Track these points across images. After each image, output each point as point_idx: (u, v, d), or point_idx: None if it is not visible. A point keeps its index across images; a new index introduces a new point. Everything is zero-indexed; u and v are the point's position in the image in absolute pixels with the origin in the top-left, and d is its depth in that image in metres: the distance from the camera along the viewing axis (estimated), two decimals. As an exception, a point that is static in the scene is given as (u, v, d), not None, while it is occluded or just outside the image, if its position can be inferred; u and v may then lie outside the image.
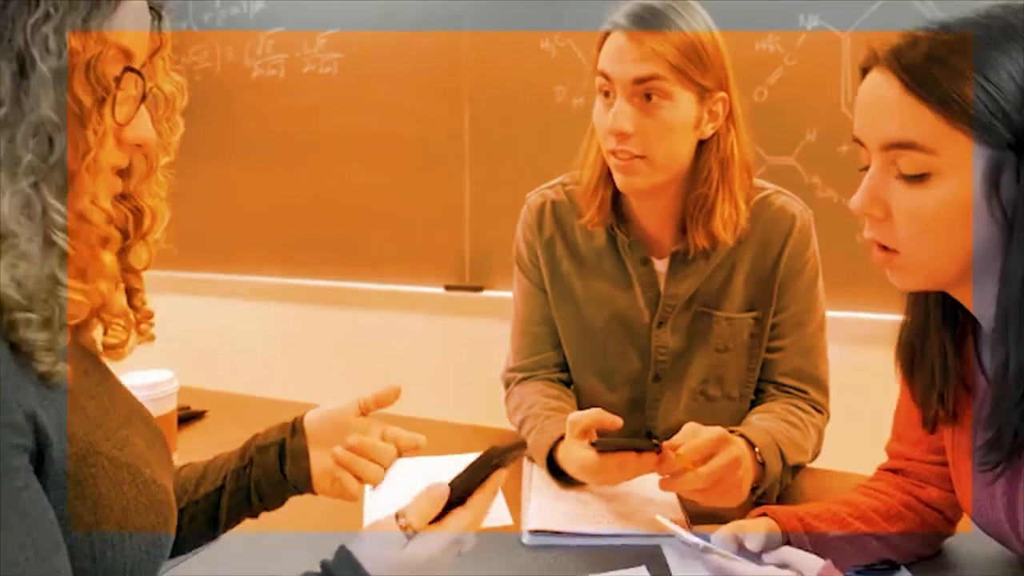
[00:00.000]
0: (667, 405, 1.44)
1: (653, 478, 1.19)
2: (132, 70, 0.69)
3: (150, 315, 0.82)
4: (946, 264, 0.85)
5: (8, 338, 0.62)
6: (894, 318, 1.03)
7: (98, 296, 0.69)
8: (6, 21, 0.62)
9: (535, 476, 1.33)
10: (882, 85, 0.84)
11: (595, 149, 1.36)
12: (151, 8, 0.74)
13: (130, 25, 0.69)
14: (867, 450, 1.27)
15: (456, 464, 1.37)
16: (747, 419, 1.35)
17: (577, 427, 1.22)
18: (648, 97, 1.25)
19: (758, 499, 1.23)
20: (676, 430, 1.19)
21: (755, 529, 1.01)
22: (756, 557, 0.94)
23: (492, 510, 1.25)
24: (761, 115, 2.26)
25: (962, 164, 0.81)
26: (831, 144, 2.18)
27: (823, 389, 1.42)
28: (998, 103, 0.79)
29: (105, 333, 0.78)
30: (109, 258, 0.69)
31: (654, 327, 1.42)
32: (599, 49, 1.31)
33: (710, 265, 1.38)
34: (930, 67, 0.81)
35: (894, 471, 1.13)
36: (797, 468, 1.32)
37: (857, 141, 0.89)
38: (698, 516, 1.21)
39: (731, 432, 1.24)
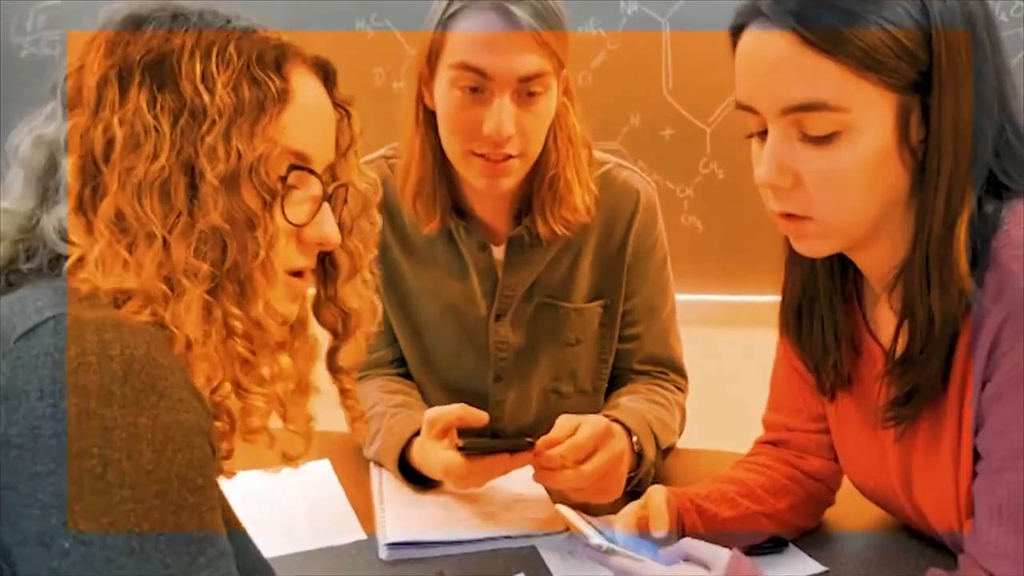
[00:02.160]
0: (513, 406, 1.31)
1: (518, 473, 1.08)
2: (303, 168, 0.69)
3: (362, 414, 0.83)
4: (861, 222, 0.80)
5: None
6: (722, 298, 0.98)
7: (276, 400, 0.69)
8: (177, 135, 0.63)
9: (386, 481, 1.17)
10: (772, 42, 0.76)
11: (430, 146, 1.19)
12: (338, 105, 0.75)
13: (303, 125, 0.69)
14: (723, 428, 1.24)
15: (281, 479, 1.19)
16: (615, 400, 1.26)
17: (436, 426, 1.08)
18: (531, 93, 1.11)
19: (633, 488, 1.14)
20: (528, 431, 1.10)
21: (660, 517, 0.92)
22: (655, 552, 0.84)
23: (340, 524, 1.09)
24: (585, 100, 2.24)
25: (872, 115, 0.75)
26: (655, 128, 2.18)
27: (681, 369, 1.35)
28: (900, 43, 0.74)
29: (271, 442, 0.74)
30: (286, 361, 0.70)
31: (491, 320, 1.28)
32: (442, 30, 1.13)
33: (551, 251, 1.26)
34: (824, 15, 0.74)
35: (774, 443, 1.08)
36: (667, 451, 1.25)
37: (745, 108, 0.80)
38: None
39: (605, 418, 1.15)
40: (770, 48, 0.76)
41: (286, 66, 0.69)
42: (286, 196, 0.68)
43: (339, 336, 0.80)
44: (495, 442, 1.06)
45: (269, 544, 1.03)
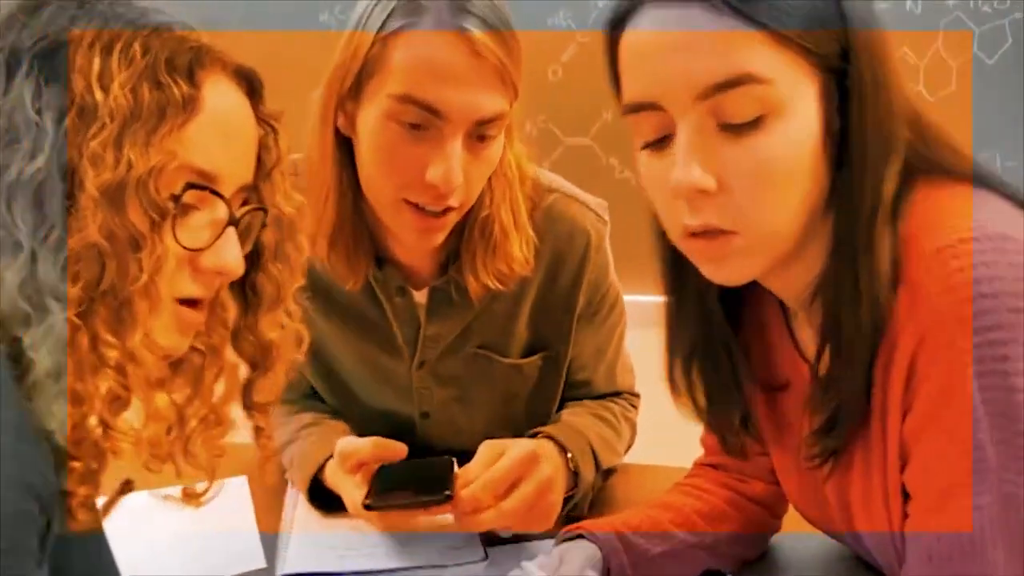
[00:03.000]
0: (445, 437, 1.16)
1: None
2: (203, 188, 0.62)
3: (275, 454, 0.78)
4: (792, 232, 0.68)
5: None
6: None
7: (147, 443, 0.63)
8: (60, 135, 0.57)
9: (300, 504, 1.08)
10: (679, 17, 0.65)
11: (349, 185, 0.98)
12: (264, 121, 0.68)
13: (211, 141, 0.62)
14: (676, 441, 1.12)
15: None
16: (557, 415, 1.15)
17: (349, 461, 0.98)
18: (482, 137, 0.93)
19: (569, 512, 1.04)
20: (465, 452, 0.98)
21: (575, 561, 0.83)
22: None
23: (241, 551, 1.01)
24: (556, 94, 2.16)
25: (798, 94, 0.65)
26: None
27: (632, 385, 1.24)
28: (819, 11, 0.65)
29: (179, 474, 0.70)
30: (163, 401, 0.64)
31: (413, 369, 1.11)
32: (381, 47, 0.90)
33: (484, 299, 1.07)
34: None
35: (713, 466, 0.98)
36: (609, 473, 1.16)
37: (644, 107, 0.68)
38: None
39: (538, 433, 1.05)
40: (677, 24, 0.65)
41: (200, 72, 0.62)
42: (183, 217, 0.62)
43: (256, 369, 0.73)
44: (405, 500, 0.93)
45: (158, 573, 0.95)
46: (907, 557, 0.69)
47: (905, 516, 0.70)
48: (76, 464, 0.58)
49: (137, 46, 0.59)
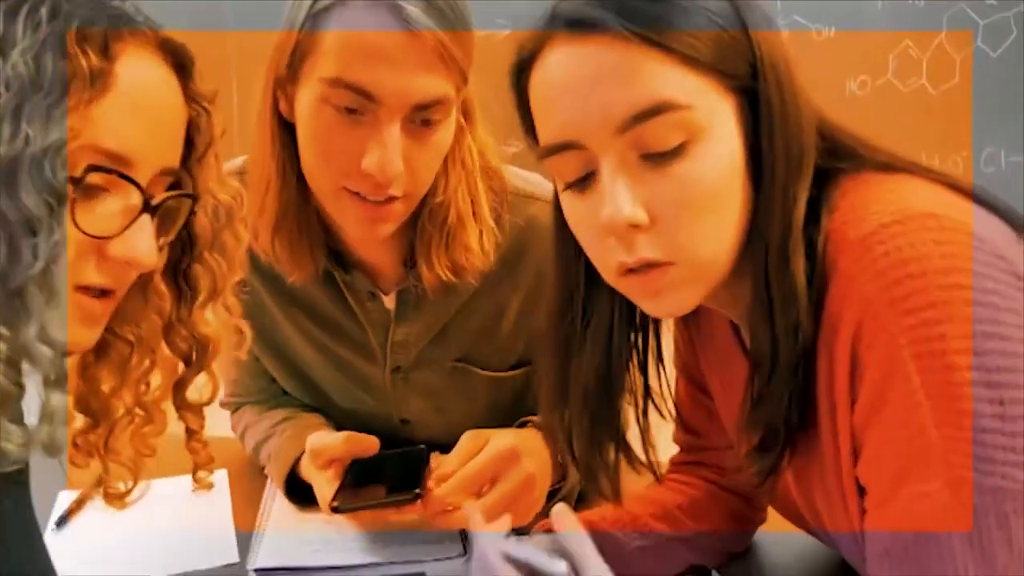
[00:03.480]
0: (428, 437, 1.11)
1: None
2: (110, 171, 0.57)
3: (209, 460, 0.74)
4: (724, 256, 0.66)
5: None
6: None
7: (28, 447, 0.57)
8: None
9: (277, 498, 1.06)
10: (592, 52, 0.63)
11: (292, 170, 0.92)
12: (195, 101, 0.64)
13: (124, 120, 0.57)
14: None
15: (168, 488, 1.09)
16: None
17: (321, 458, 0.95)
18: (426, 122, 0.87)
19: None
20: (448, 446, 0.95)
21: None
22: None
23: (215, 544, 0.99)
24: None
25: (717, 117, 0.64)
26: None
27: None
28: (727, 36, 0.63)
29: (106, 471, 0.69)
30: (59, 401, 0.57)
31: (387, 374, 1.08)
32: (310, 27, 0.84)
33: (454, 303, 1.03)
34: (647, 8, 0.62)
35: (689, 463, 0.96)
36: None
37: (562, 147, 0.65)
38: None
39: (527, 423, 1.03)
40: (590, 59, 0.63)
41: (117, 44, 0.57)
42: (89, 201, 0.57)
43: (190, 365, 0.69)
44: (372, 502, 0.90)
45: (130, 566, 0.94)
46: (867, 555, 0.66)
47: (863, 512, 0.67)
48: None
49: (46, 9, 0.55)
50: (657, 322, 0.81)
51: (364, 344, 1.06)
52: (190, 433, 0.72)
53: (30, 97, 0.53)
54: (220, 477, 1.13)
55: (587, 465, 0.81)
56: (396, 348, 1.05)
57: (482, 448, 0.92)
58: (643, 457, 0.82)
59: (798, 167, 0.65)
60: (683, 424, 0.95)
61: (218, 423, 1.20)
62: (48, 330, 0.54)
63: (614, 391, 0.78)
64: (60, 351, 0.56)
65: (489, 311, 1.05)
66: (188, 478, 1.09)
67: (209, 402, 0.72)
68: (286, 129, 0.91)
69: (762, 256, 0.65)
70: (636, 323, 0.79)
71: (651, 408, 0.82)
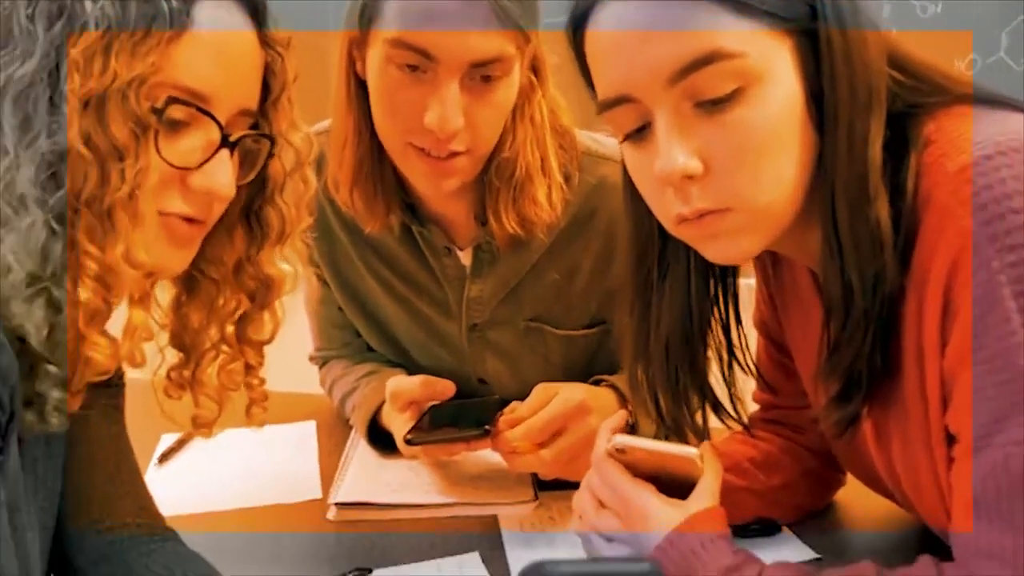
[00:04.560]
0: (505, 393, 1.13)
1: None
2: (189, 104, 0.61)
3: (263, 397, 0.75)
4: (784, 201, 0.65)
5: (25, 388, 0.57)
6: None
7: (114, 359, 0.60)
8: (48, 41, 0.57)
9: (359, 444, 1.11)
10: (639, 7, 0.63)
11: (367, 126, 0.96)
12: (270, 46, 0.67)
13: (201, 60, 0.61)
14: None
15: (261, 436, 1.16)
16: None
17: (399, 400, 0.99)
18: (487, 79, 0.91)
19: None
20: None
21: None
22: None
23: (300, 483, 1.04)
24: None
25: (772, 62, 0.63)
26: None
27: None
28: None
29: (196, 402, 0.72)
30: (139, 316, 0.62)
31: (464, 331, 1.11)
32: None
33: (527, 261, 1.05)
34: None
35: (768, 420, 0.94)
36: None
37: (618, 101, 0.66)
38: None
39: (601, 381, 1.04)
40: (639, 12, 0.63)
41: None
42: (173, 134, 0.61)
43: (255, 303, 0.72)
44: (444, 435, 0.94)
45: (223, 499, 1.00)
46: (953, 508, 0.64)
47: (951, 463, 0.65)
48: (51, 368, 0.58)
49: None
50: (735, 275, 0.80)
51: (442, 300, 1.10)
52: (249, 368, 0.74)
53: (117, 36, 0.57)
54: (309, 427, 1.20)
55: (673, 417, 0.81)
56: (471, 305, 1.08)
57: (552, 400, 0.94)
58: (730, 410, 0.82)
59: (867, 106, 0.64)
60: (762, 382, 0.94)
61: (311, 380, 1.27)
62: (133, 251, 0.58)
63: (696, 343, 0.78)
64: (143, 271, 0.60)
65: (561, 270, 1.07)
66: (282, 427, 1.18)
67: (269, 340, 0.75)
68: (361, 88, 0.95)
69: (829, 199, 0.64)
70: (715, 274, 0.79)
71: (735, 364, 0.82)
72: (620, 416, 0.82)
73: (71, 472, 0.72)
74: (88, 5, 0.57)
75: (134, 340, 0.62)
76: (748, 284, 0.87)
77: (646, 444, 0.76)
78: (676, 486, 0.75)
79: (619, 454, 0.76)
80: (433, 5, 0.86)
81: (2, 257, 0.55)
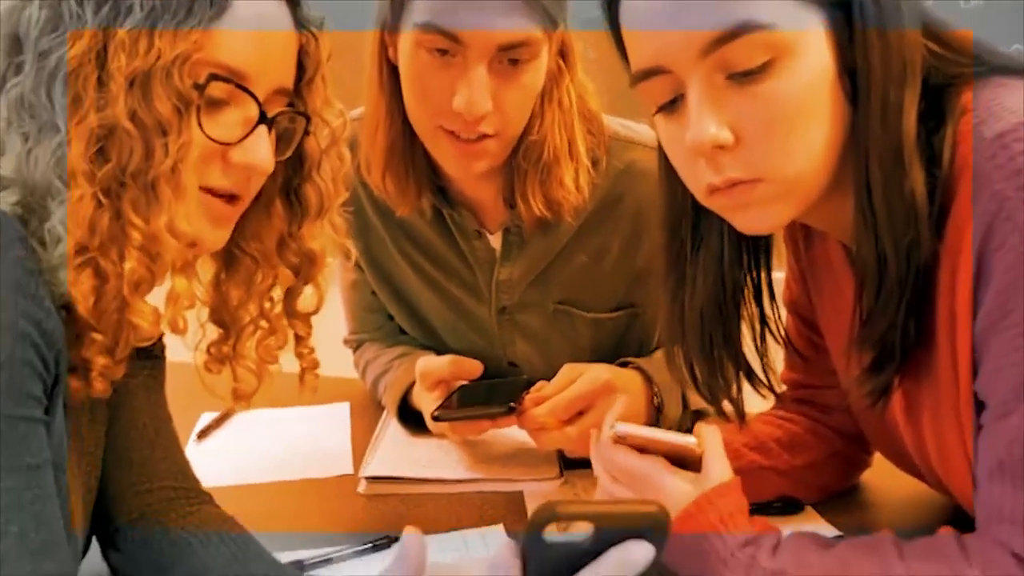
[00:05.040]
0: (533, 374, 1.15)
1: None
2: (229, 81, 0.64)
3: (315, 364, 0.78)
4: (818, 171, 0.66)
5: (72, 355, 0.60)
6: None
7: (157, 325, 0.63)
8: (96, 24, 0.60)
9: (390, 423, 1.14)
10: None
11: (398, 110, 0.98)
12: (304, 27, 0.69)
13: (240, 40, 0.64)
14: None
15: (296, 416, 1.20)
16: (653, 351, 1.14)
17: (428, 379, 1.02)
18: (514, 62, 0.92)
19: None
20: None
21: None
22: None
23: (332, 459, 1.07)
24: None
25: (803, 34, 0.63)
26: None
27: None
28: None
29: (235, 376, 0.75)
30: (182, 284, 0.65)
31: (494, 314, 1.13)
32: None
33: (555, 244, 1.07)
34: None
35: (796, 400, 0.95)
36: (698, 415, 1.13)
37: (652, 72, 0.67)
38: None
39: (628, 364, 1.05)
40: None
41: None
42: (213, 110, 0.64)
43: (299, 277, 0.75)
44: (470, 411, 0.97)
45: (258, 473, 1.04)
46: (977, 472, 0.64)
47: (979, 430, 0.65)
48: (97, 336, 0.61)
49: None
50: (768, 246, 0.81)
51: (472, 283, 1.12)
52: (298, 339, 0.77)
53: (161, 17, 0.60)
54: (343, 408, 1.23)
55: (709, 387, 0.82)
56: (501, 287, 1.10)
57: (578, 379, 0.96)
58: (763, 378, 0.83)
59: (900, 78, 0.64)
60: (790, 361, 0.95)
61: (346, 364, 1.30)
62: (175, 222, 0.61)
63: (730, 312, 0.79)
64: (185, 242, 0.62)
65: (590, 253, 1.08)
66: (317, 408, 1.22)
67: (315, 312, 0.78)
68: (393, 73, 0.98)
69: (863, 170, 0.65)
70: (747, 245, 0.79)
71: (767, 334, 0.83)
72: (621, 404, 0.83)
73: (113, 437, 0.75)
74: None
75: (176, 307, 0.65)
76: (778, 278, 0.88)
77: (645, 432, 0.76)
78: None
79: (620, 440, 0.77)
80: None
81: (52, 228, 0.58)
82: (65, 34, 0.60)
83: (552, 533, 0.49)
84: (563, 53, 0.99)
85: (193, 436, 1.12)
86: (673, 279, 0.80)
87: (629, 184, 1.05)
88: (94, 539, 0.77)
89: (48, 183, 0.59)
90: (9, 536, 0.53)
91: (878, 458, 0.92)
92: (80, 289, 0.59)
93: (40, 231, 0.59)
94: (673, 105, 0.68)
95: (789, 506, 0.89)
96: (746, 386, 0.84)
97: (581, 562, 0.50)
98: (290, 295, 0.75)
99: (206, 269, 0.75)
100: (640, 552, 0.51)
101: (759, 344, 0.83)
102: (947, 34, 0.68)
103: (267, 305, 0.76)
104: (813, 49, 0.64)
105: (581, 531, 0.50)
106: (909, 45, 0.64)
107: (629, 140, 1.06)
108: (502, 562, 0.51)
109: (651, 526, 0.51)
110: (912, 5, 0.66)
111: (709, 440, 0.75)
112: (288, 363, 1.34)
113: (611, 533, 0.50)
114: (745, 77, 0.63)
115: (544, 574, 0.50)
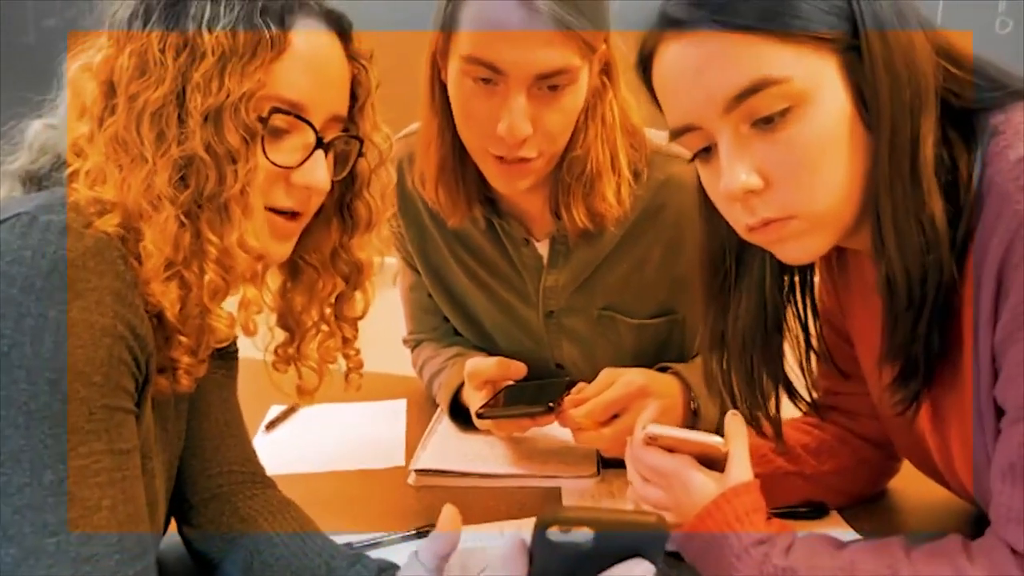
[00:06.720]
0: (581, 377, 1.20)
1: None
2: (289, 113, 0.71)
3: (359, 365, 0.85)
4: (846, 202, 0.71)
5: (160, 357, 0.68)
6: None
7: (232, 328, 0.72)
8: (176, 69, 0.67)
9: (444, 419, 1.21)
10: (693, 44, 0.70)
11: (449, 127, 1.04)
12: (355, 59, 0.76)
13: (298, 75, 0.71)
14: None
15: (356, 411, 1.28)
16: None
17: (476, 379, 1.08)
18: (554, 88, 0.97)
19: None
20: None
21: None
22: None
23: (386, 452, 1.15)
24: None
25: (819, 81, 0.68)
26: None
27: None
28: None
29: (299, 374, 0.83)
30: (253, 293, 0.73)
31: (542, 318, 1.19)
32: (452, 8, 0.97)
33: (599, 252, 1.12)
34: (740, 5, 0.67)
35: (826, 407, 0.98)
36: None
37: (685, 129, 0.73)
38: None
39: (666, 368, 1.10)
40: (692, 52, 0.70)
41: (290, 17, 0.71)
42: (276, 139, 0.71)
43: (348, 285, 0.83)
44: (511, 410, 1.03)
45: (318, 463, 1.12)
46: (992, 477, 0.68)
47: (998, 435, 0.69)
48: (183, 338, 0.69)
49: None
50: (811, 270, 0.86)
51: (521, 288, 1.18)
52: (346, 341, 0.84)
53: (229, 60, 0.68)
54: (400, 405, 1.31)
55: (748, 404, 0.86)
56: (548, 293, 1.16)
57: (615, 382, 1.01)
58: (806, 396, 0.88)
59: (911, 108, 0.68)
60: (820, 371, 0.98)
61: (405, 363, 1.38)
62: (245, 238, 0.69)
63: (772, 334, 0.84)
64: (254, 255, 0.71)
65: (632, 261, 1.13)
66: (376, 403, 1.29)
67: (362, 316, 0.85)
68: (444, 93, 1.03)
69: (873, 201, 0.69)
70: (790, 271, 0.84)
71: (812, 355, 0.88)
72: (654, 407, 0.88)
73: (190, 426, 0.84)
74: (206, 38, 0.68)
75: (248, 312, 0.73)
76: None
77: (675, 432, 0.82)
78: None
79: (651, 441, 0.82)
80: (499, 22, 0.93)
81: (145, 247, 0.67)
82: (150, 79, 0.68)
83: (555, 533, 0.56)
84: (606, 70, 1.04)
85: (262, 427, 1.22)
86: (715, 308, 0.85)
87: (670, 195, 1.10)
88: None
89: (139, 207, 0.67)
90: (103, 509, 0.61)
91: (904, 464, 0.95)
92: (168, 298, 0.67)
93: (136, 249, 0.67)
94: (707, 153, 0.73)
95: (814, 510, 0.92)
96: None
97: (582, 561, 0.57)
98: (340, 300, 0.83)
99: (275, 279, 0.83)
100: (640, 570, 0.57)
101: (804, 364, 0.87)
102: (968, 58, 0.71)
103: (327, 310, 0.83)
104: (828, 93, 0.68)
105: (583, 533, 0.56)
106: (921, 75, 0.68)
107: (670, 154, 1.10)
108: (512, 556, 0.58)
109: (647, 535, 0.57)
110: (925, 36, 0.69)
111: (734, 441, 0.80)
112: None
113: (611, 537, 0.56)
114: (767, 124, 0.68)
115: (549, 569, 0.57)
